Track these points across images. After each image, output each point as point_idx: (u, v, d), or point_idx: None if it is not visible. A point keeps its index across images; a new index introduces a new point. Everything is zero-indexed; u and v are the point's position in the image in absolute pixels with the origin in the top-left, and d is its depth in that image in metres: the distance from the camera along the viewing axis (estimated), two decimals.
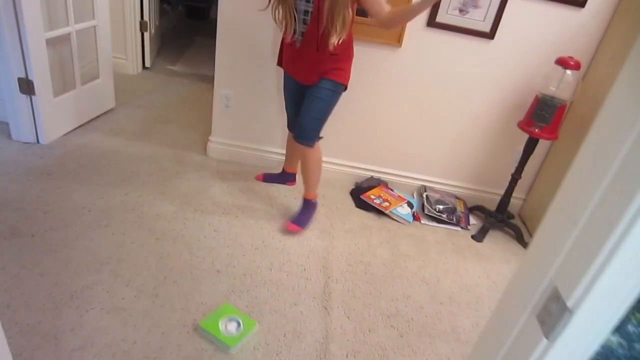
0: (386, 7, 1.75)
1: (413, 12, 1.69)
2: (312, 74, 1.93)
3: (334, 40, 1.78)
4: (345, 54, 1.92)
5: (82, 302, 1.62)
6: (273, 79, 2.43)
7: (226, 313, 1.65)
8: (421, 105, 2.45)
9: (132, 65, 3.50)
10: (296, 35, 1.88)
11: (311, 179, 2.17)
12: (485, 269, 2.21)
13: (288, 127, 2.31)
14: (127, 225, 2.01)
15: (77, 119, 2.64)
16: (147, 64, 3.66)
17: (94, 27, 2.57)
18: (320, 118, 2.00)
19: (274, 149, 2.64)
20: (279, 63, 2.11)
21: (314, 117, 1.98)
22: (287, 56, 2.02)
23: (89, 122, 2.74)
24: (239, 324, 1.62)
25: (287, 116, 2.26)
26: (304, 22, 1.82)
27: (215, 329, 1.59)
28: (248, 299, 1.77)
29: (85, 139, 2.59)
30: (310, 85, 1.96)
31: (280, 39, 2.05)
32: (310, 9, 1.78)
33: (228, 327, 1.60)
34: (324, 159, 2.24)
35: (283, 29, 1.90)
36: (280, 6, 1.84)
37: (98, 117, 2.81)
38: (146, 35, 3.49)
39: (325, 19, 1.74)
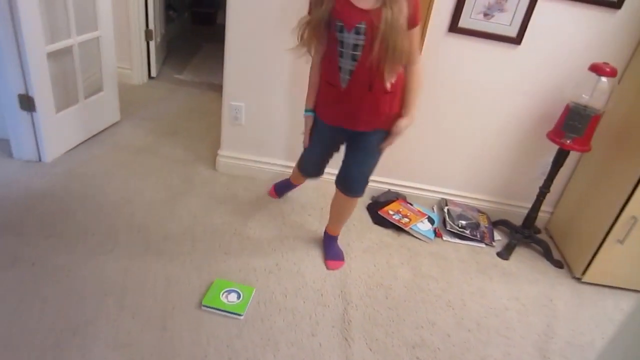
0: (417, 57, 1.61)
1: (408, 106, 1.67)
2: (365, 120, 1.65)
3: (392, 78, 1.56)
4: (399, 86, 1.64)
5: (86, 337, 1.51)
6: (286, 89, 2.31)
7: (222, 287, 1.77)
8: (442, 114, 2.32)
9: (137, 76, 3.40)
10: (342, 75, 1.58)
11: (345, 220, 2.06)
12: (513, 291, 2.07)
13: (302, 169, 2.06)
14: (133, 249, 1.90)
15: (81, 135, 2.53)
16: (153, 74, 3.55)
17: (97, 38, 2.47)
18: (374, 169, 1.84)
19: (287, 162, 2.52)
20: (312, 106, 1.79)
21: (369, 170, 1.82)
22: (325, 101, 1.71)
23: (93, 136, 2.63)
24: (238, 294, 1.75)
25: (305, 159, 1.99)
26: (353, 59, 1.52)
27: (220, 302, 1.71)
28: (263, 329, 1.65)
29: (90, 155, 2.49)
30: (360, 134, 1.71)
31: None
32: (361, 43, 1.48)
33: (230, 299, 1.73)
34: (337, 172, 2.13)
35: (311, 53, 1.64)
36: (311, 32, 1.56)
37: (103, 131, 2.71)
38: (152, 44, 3.39)
39: (381, 52, 1.47)
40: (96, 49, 2.50)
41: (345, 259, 2.06)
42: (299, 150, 2.48)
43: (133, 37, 3.22)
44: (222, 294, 1.74)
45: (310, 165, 2.00)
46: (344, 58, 1.54)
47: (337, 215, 2.01)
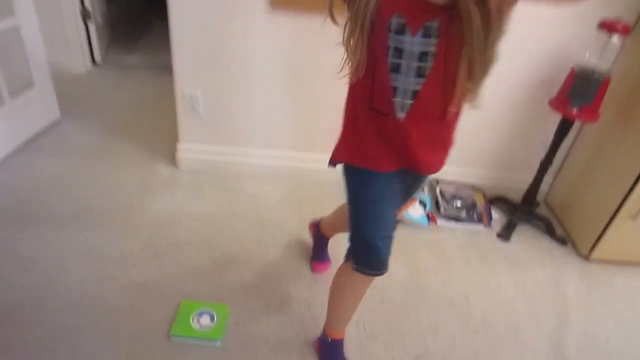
0: None
1: None
2: (435, 160, 1.15)
3: (476, 96, 1.01)
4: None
5: None
6: (247, 71, 2.00)
7: (191, 310, 1.53)
8: None
9: (78, 63, 2.99)
10: (397, 98, 1.00)
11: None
12: (519, 278, 1.88)
13: (369, 260, 1.19)
14: (85, 277, 1.62)
15: (12, 142, 2.17)
16: (97, 59, 3.14)
17: (16, 26, 2.07)
18: None
19: (257, 150, 2.23)
20: (344, 157, 1.17)
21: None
22: (367, 137, 1.09)
23: (28, 142, 2.27)
24: (211, 315, 1.52)
25: (367, 239, 1.15)
26: (419, 74, 0.97)
27: (190, 330, 1.47)
28: (244, 358, 1.42)
29: (26, 165, 2.14)
30: (416, 177, 1.22)
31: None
32: (432, 49, 0.94)
33: (202, 322, 1.49)
34: (316, 155, 1.89)
35: (354, 75, 1.00)
36: (356, 37, 0.95)
37: (40, 133, 2.35)
38: (91, 24, 2.97)
39: (464, 61, 0.94)
40: (17, 39, 2.10)
41: (332, 260, 1.82)
42: (269, 134, 2.21)
43: (67, 20, 2.80)
44: (193, 319, 1.49)
45: (383, 242, 1.16)
46: (401, 74, 0.97)
47: (348, 307, 1.39)
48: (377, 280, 1.74)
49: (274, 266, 1.76)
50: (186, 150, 2.21)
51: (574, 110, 1.74)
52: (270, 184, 2.21)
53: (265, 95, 2.06)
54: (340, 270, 1.30)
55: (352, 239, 1.20)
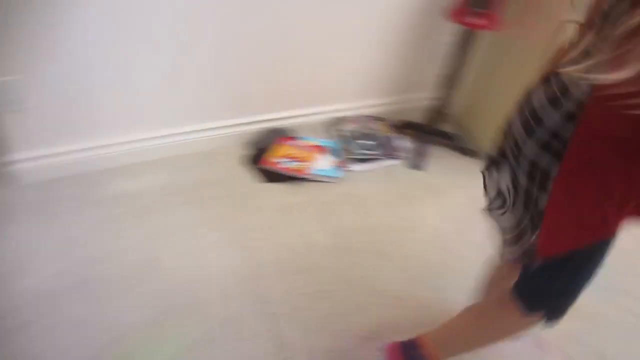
0: None
1: None
2: None
3: None
4: None
5: None
6: (92, 25, 1.46)
7: None
8: (312, 17, 1.71)
9: None
10: None
11: None
12: (443, 207, 1.79)
13: (553, 317, 1.00)
14: None
15: None
16: None
17: None
18: None
19: (122, 136, 1.75)
20: (600, 234, 0.81)
21: None
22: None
23: None
24: None
25: (576, 299, 0.96)
26: None
27: None
28: None
29: None
30: None
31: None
32: None
33: None
34: (193, 126, 1.71)
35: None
36: None
37: None
38: None
39: None
40: None
41: (247, 247, 1.56)
42: (134, 115, 1.72)
43: None
44: None
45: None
46: None
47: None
48: (304, 260, 1.55)
49: (178, 279, 1.44)
50: (23, 159, 1.66)
51: (474, 20, 1.53)
52: (148, 171, 1.79)
53: (120, 63, 1.56)
54: (503, 309, 1.04)
55: (562, 299, 0.98)
